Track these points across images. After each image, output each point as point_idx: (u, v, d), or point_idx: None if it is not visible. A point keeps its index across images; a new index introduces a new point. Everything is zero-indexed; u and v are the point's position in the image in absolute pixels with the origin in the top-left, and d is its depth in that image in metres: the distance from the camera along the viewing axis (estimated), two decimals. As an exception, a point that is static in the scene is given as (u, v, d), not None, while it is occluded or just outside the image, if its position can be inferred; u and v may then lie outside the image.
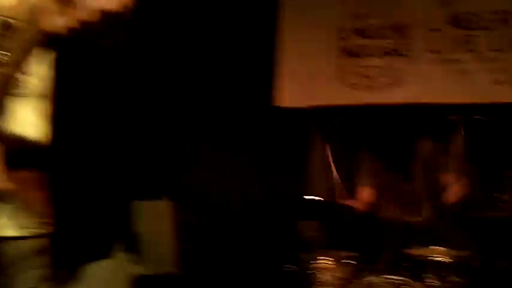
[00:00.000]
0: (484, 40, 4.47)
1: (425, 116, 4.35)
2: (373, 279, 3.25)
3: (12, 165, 1.66)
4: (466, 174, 4.18)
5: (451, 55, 4.54)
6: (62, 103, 1.86)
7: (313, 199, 3.32)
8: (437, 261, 3.33)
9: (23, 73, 1.70)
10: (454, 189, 4.02)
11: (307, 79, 4.80)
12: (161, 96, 4.48)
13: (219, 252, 4.42)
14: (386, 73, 4.67)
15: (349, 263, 3.58)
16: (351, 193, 4.16)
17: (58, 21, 1.71)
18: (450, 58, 4.54)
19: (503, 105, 4.35)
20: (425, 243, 3.72)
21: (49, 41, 1.74)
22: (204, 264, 4.25)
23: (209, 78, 4.66)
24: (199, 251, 4.27)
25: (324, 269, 3.54)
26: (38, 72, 1.77)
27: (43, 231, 1.82)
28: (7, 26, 1.63)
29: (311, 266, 3.29)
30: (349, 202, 4.07)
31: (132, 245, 3.41)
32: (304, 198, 3.43)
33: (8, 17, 1.63)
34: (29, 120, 1.74)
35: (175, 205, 3.79)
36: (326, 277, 3.53)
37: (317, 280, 3.44)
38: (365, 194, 4.06)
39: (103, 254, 2.97)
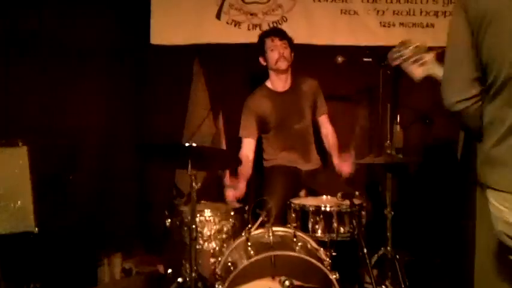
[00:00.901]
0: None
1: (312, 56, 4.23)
2: (259, 231, 3.02)
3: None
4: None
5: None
6: None
7: (192, 145, 2.97)
8: (325, 210, 3.20)
9: None
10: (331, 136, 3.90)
11: (189, 16, 4.46)
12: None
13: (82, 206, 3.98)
14: (272, 11, 4.45)
15: (233, 214, 3.38)
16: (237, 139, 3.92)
17: None
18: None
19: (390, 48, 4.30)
20: (312, 193, 3.61)
21: None
22: (67, 221, 3.81)
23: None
24: (62, 205, 3.82)
25: (206, 221, 3.31)
26: None
27: None
28: None
29: (192, 218, 3.00)
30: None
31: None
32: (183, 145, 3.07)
33: None
34: None
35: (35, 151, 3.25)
36: (207, 230, 3.31)
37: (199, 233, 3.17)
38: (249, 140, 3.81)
39: None
